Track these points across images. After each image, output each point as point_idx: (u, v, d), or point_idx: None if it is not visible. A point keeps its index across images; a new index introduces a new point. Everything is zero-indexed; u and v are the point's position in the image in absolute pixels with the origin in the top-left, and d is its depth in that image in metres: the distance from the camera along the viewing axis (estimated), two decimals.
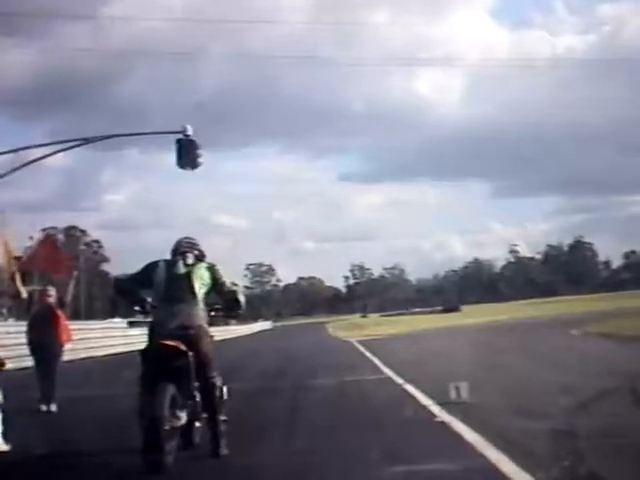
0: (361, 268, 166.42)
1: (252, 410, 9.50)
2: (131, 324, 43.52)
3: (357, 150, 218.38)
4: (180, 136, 20.12)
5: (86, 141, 21.31)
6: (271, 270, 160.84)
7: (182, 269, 6.56)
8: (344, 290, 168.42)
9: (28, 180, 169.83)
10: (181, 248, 6.76)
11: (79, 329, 32.27)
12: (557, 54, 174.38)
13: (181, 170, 20.17)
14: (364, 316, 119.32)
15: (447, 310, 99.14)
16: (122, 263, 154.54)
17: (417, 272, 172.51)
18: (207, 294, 6.64)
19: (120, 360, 26.70)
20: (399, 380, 12.54)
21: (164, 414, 5.90)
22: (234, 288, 7.00)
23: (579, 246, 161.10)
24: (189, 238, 6.88)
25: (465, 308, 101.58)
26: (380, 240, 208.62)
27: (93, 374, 20.20)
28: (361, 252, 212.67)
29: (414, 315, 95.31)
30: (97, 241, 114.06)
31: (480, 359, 15.70)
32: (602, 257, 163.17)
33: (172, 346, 6.18)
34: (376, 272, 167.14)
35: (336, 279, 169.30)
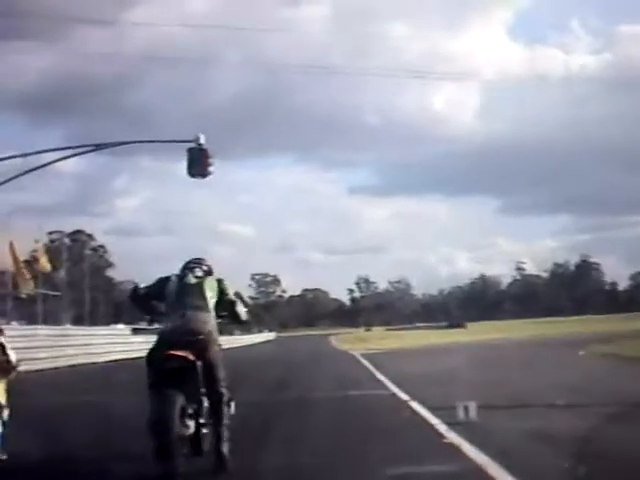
0: (367, 281, 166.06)
1: (249, 426, 8.95)
2: (135, 331, 43.71)
3: (368, 163, 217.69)
4: (192, 145, 20.05)
5: (97, 147, 21.21)
6: (276, 281, 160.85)
7: (193, 280, 6.76)
8: (349, 303, 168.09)
9: (41, 184, 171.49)
10: (190, 265, 6.99)
11: (82, 335, 32.36)
12: (571, 72, 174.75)
13: (192, 179, 20.17)
14: (368, 329, 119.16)
15: (452, 326, 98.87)
16: (128, 269, 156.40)
17: (422, 287, 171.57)
18: (216, 305, 6.76)
19: (121, 367, 26.61)
20: (404, 397, 12.26)
21: (174, 422, 5.92)
22: (233, 299, 7.05)
23: (586, 265, 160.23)
24: (198, 258, 7.16)
25: (470, 325, 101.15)
26: (387, 253, 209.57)
27: (92, 380, 20.08)
28: (367, 265, 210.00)
29: (419, 330, 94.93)
30: (102, 246, 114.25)
31: (487, 378, 15.40)
32: (608, 277, 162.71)
33: (181, 356, 6.20)
34: (382, 286, 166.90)
35: (341, 292, 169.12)
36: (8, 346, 7.54)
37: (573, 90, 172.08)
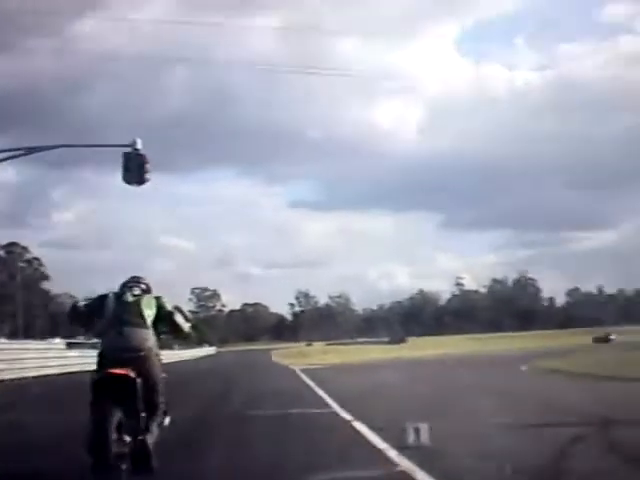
0: (307, 296, 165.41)
1: (183, 444, 8.33)
2: (70, 345, 42.30)
3: (311, 177, 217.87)
4: (128, 149, 19.17)
5: (29, 151, 20.16)
6: (216, 295, 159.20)
7: (130, 298, 6.78)
8: (289, 317, 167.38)
9: None
10: (128, 283, 7.01)
11: (14, 349, 30.92)
12: (515, 88, 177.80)
13: (129, 188, 19.29)
14: (309, 344, 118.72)
15: (393, 341, 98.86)
16: (65, 282, 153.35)
17: (363, 302, 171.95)
18: (155, 322, 6.78)
19: (54, 382, 25.46)
20: (347, 416, 11.58)
21: (110, 439, 5.93)
22: (172, 310, 7.05)
23: (523, 281, 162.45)
24: (136, 276, 7.15)
25: (411, 340, 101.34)
26: (327, 268, 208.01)
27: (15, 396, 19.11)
28: (308, 279, 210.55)
29: (360, 345, 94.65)
30: (37, 259, 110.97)
31: (431, 395, 14.92)
32: (546, 293, 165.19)
33: (121, 374, 6.22)
34: (322, 300, 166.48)
35: (282, 306, 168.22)
36: None
37: (517, 106, 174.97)
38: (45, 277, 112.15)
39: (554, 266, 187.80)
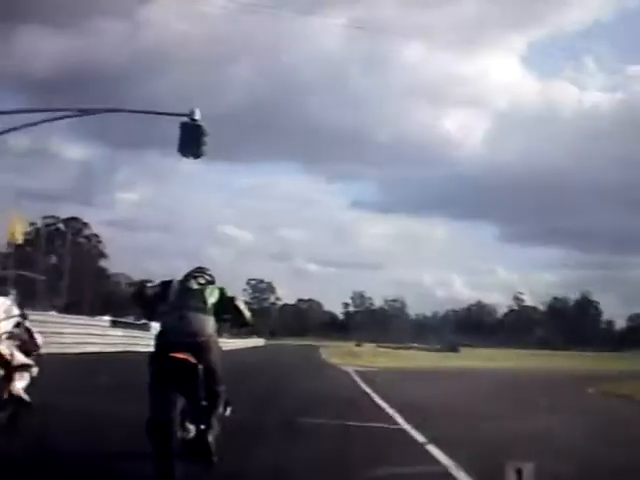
0: (362, 297, 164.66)
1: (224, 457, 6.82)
2: (114, 323, 41.49)
3: (373, 178, 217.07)
4: (185, 119, 17.81)
5: (81, 112, 18.95)
6: (271, 288, 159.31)
7: (195, 285, 6.79)
8: (341, 316, 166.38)
9: (46, 170, 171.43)
10: (194, 273, 7.00)
11: (56, 322, 29.96)
12: (583, 108, 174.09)
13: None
14: (359, 345, 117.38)
15: (445, 349, 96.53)
16: (122, 262, 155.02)
17: (417, 307, 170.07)
18: (218, 309, 6.70)
19: (90, 361, 24.26)
20: (418, 436, 9.94)
21: (175, 424, 5.91)
22: (235, 297, 7.04)
23: (585, 303, 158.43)
24: (201, 267, 7.16)
25: (463, 350, 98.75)
26: (384, 271, 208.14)
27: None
28: (363, 280, 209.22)
29: (411, 350, 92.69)
30: (97, 235, 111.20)
31: (509, 417, 13.12)
32: (605, 316, 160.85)
33: (182, 359, 6.15)
34: (377, 302, 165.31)
35: (335, 304, 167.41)
36: (34, 329, 8.41)
37: (583, 126, 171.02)
38: (103, 255, 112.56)
39: (613, 290, 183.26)
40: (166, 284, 6.85)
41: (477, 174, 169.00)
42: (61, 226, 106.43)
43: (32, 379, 8.43)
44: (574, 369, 45.40)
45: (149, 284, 7.10)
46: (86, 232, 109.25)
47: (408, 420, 11.56)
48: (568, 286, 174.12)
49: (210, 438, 6.34)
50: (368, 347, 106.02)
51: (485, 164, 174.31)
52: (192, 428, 6.30)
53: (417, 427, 10.60)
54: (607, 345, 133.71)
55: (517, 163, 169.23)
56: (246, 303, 7.34)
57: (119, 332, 38.34)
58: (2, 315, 8.16)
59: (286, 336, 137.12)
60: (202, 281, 6.92)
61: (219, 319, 6.72)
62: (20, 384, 8.19)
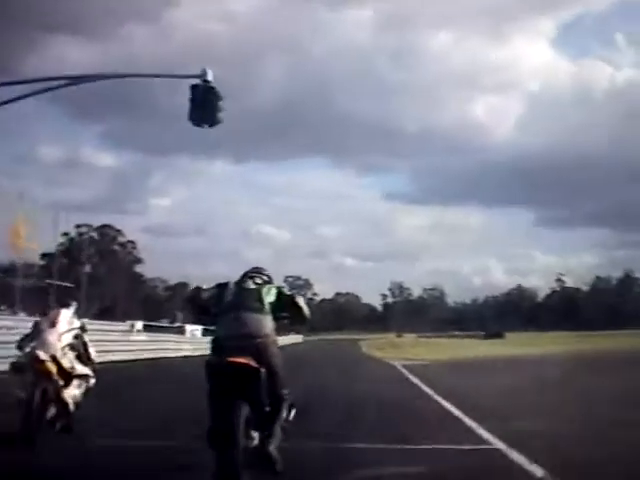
0: (400, 287, 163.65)
1: None
2: (146, 328, 40.45)
3: (405, 170, 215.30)
4: (197, 81, 16.12)
5: (74, 81, 17.31)
6: (308, 284, 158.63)
7: (251, 285, 6.57)
8: (380, 308, 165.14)
9: (79, 180, 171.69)
10: (250, 273, 6.81)
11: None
12: (616, 86, 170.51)
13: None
14: (400, 336, 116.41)
15: (490, 336, 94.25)
16: (158, 267, 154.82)
17: (455, 295, 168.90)
18: (276, 307, 6.44)
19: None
20: (527, 464, 7.20)
21: (240, 433, 5.65)
22: (293, 294, 6.84)
23: (629, 281, 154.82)
24: (258, 267, 6.98)
25: (508, 335, 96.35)
26: (420, 261, 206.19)
27: None
28: (401, 272, 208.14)
29: (455, 339, 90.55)
30: (132, 242, 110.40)
31: (620, 422, 10.26)
32: None
33: (243, 363, 5.85)
34: (415, 292, 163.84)
35: (373, 297, 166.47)
36: (89, 344, 8.81)
37: (617, 105, 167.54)
38: (138, 260, 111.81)
39: None
40: (222, 286, 6.61)
41: (510, 160, 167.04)
42: (94, 234, 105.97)
43: (88, 389, 8.90)
44: (629, 349, 42.82)
45: (204, 287, 6.78)
46: (120, 239, 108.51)
47: (499, 436, 8.91)
48: (609, 266, 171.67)
49: (271, 447, 5.96)
50: (409, 337, 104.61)
51: (518, 149, 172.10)
52: (256, 436, 6.03)
53: (516, 447, 7.99)
54: None
55: (550, 146, 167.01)
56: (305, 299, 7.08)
57: (143, 337, 37.09)
58: (66, 327, 8.59)
59: (325, 331, 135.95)
60: (259, 281, 6.70)
61: (277, 318, 6.45)
62: (74, 392, 8.56)
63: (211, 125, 15.87)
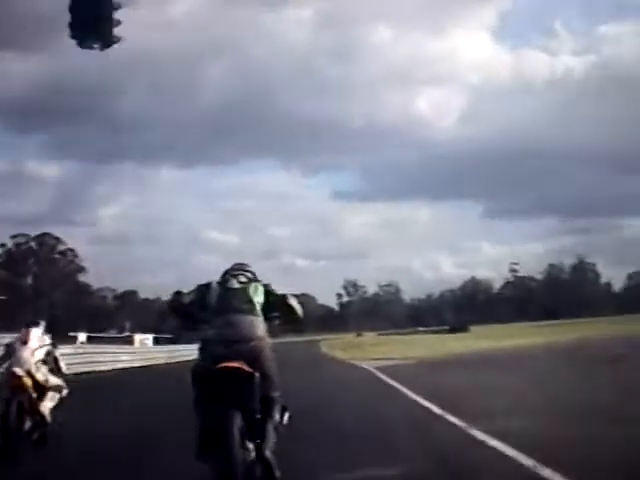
0: (355, 285, 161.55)
1: None
2: (90, 339, 36.68)
3: (352, 168, 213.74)
4: None
5: None
6: None
7: (237, 285, 6.15)
8: (337, 308, 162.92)
9: (22, 193, 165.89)
10: (232, 271, 6.38)
11: None
12: (556, 74, 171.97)
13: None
14: (359, 335, 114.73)
15: (454, 330, 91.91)
16: (108, 276, 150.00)
17: (410, 291, 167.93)
18: (265, 307, 6.05)
19: None
20: None
21: (236, 444, 5.23)
22: (284, 294, 6.36)
23: (582, 267, 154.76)
24: (240, 263, 6.56)
25: (472, 328, 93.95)
26: (373, 259, 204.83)
27: None
28: (353, 270, 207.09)
29: (419, 335, 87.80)
30: (72, 250, 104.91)
31: None
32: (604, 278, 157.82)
33: (236, 368, 5.47)
34: (370, 290, 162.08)
35: (329, 297, 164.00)
36: (60, 358, 9.52)
37: (558, 92, 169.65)
38: (81, 269, 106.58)
39: (604, 252, 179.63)
40: (204, 287, 6.17)
41: (455, 153, 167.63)
42: (33, 244, 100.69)
43: (61, 400, 9.44)
44: (598, 338, 39.33)
45: (184, 291, 6.30)
46: (60, 247, 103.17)
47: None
48: (558, 253, 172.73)
49: (268, 452, 5.47)
50: (369, 336, 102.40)
51: (462, 142, 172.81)
52: (251, 447, 5.46)
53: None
54: (610, 308, 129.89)
55: (494, 137, 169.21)
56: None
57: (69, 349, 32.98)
58: (37, 344, 9.16)
59: (281, 333, 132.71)
60: (243, 279, 6.22)
61: (267, 319, 6.00)
62: (49, 404, 9.15)
63: (104, 46, 11.60)
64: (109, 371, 31.18)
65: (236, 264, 6.51)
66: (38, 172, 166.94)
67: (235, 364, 5.49)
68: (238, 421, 5.35)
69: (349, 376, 24.00)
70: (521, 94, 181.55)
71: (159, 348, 52.87)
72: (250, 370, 5.50)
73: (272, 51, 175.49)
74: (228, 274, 6.31)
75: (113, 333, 72.41)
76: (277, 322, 6.32)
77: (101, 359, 33.18)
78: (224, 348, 5.59)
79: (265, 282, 6.36)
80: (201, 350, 5.79)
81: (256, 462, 5.47)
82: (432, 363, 27.14)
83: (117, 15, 11.79)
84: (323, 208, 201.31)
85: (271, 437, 5.60)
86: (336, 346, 64.85)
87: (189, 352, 50.99)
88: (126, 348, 43.25)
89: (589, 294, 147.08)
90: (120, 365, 33.72)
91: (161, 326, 78.01)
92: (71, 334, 39.68)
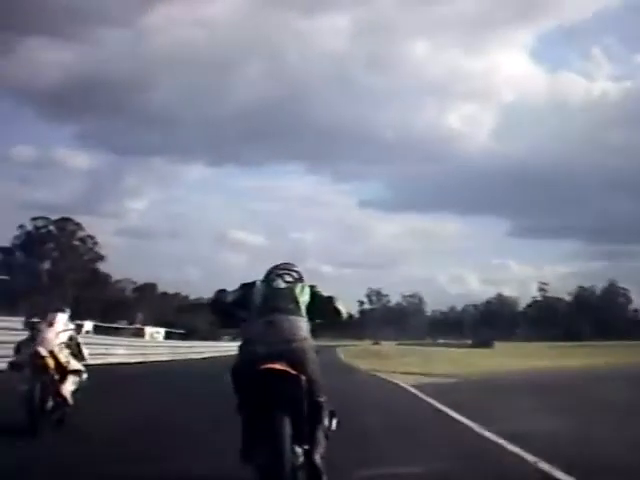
0: (378, 294, 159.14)
1: None
2: (96, 329, 34.06)
3: (380, 177, 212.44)
4: None
5: None
6: None
7: (283, 284, 6.00)
8: (356, 315, 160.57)
9: (52, 181, 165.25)
10: (278, 270, 6.22)
11: None
12: (591, 98, 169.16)
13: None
14: (376, 343, 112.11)
15: (478, 345, 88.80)
16: (129, 268, 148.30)
17: (432, 303, 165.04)
18: (310, 309, 5.87)
19: None
20: None
21: (287, 449, 5.14)
22: (330, 295, 6.19)
23: (614, 290, 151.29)
24: (287, 262, 6.38)
25: (497, 344, 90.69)
26: (396, 269, 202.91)
27: None
28: (377, 279, 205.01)
29: (441, 347, 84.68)
30: (92, 237, 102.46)
31: None
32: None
33: (281, 370, 5.30)
34: (393, 300, 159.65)
35: (350, 304, 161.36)
36: (82, 343, 9.91)
37: (593, 116, 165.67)
38: (100, 257, 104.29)
39: (629, 278, 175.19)
40: (248, 286, 6.03)
41: (486, 169, 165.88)
42: (52, 228, 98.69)
43: (81, 383, 9.71)
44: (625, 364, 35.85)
45: (227, 290, 6.13)
46: (80, 234, 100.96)
47: None
48: (588, 276, 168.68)
49: (317, 458, 5.36)
50: (387, 345, 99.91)
51: (493, 158, 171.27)
52: (300, 451, 5.33)
53: None
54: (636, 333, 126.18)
55: (526, 156, 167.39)
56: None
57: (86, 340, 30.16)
58: (62, 327, 9.47)
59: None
60: (289, 279, 6.07)
61: (311, 320, 5.79)
62: (71, 387, 9.44)
63: None
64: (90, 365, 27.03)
65: (283, 263, 6.34)
66: (68, 161, 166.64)
67: (278, 366, 5.32)
68: (287, 424, 5.20)
69: (385, 397, 18.00)
70: (555, 115, 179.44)
71: (168, 343, 50.58)
72: (295, 372, 5.34)
73: (308, 57, 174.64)
74: (273, 273, 6.15)
75: (123, 324, 70.27)
76: (321, 324, 6.06)
77: (93, 352, 29.92)
78: (267, 348, 5.43)
79: (311, 284, 6.15)
80: (241, 349, 5.65)
81: (302, 467, 5.34)
82: (479, 383, 22.91)
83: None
84: (350, 216, 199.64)
85: (321, 443, 5.49)
86: (354, 354, 62.21)
87: (204, 349, 48.62)
88: (127, 340, 40.15)
89: (617, 318, 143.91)
90: (111, 359, 28.96)
91: (176, 321, 76.24)
92: (77, 322, 36.92)
